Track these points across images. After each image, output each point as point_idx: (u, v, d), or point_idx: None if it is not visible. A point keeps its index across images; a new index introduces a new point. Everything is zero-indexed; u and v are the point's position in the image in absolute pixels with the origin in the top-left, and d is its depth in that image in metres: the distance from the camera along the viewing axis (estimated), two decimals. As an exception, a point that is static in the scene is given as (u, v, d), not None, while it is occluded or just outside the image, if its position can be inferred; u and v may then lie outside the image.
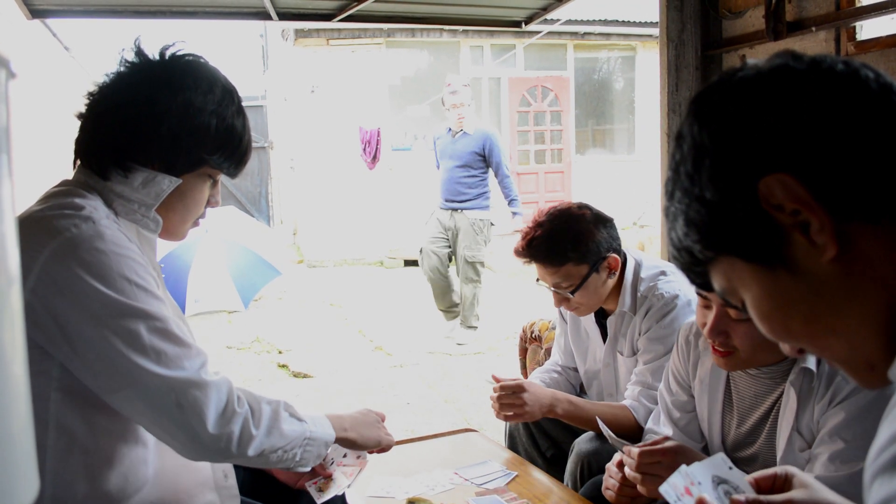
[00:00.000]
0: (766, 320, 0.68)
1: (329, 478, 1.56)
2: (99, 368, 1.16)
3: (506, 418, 2.03)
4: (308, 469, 1.44)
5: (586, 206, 2.07)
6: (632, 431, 1.96)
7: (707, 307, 1.51)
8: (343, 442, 1.50)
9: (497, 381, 2.06)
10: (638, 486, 1.53)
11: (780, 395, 1.52)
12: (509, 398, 1.99)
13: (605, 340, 2.20)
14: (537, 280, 2.09)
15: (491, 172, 5.59)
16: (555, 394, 2.03)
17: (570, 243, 1.97)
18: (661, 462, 1.48)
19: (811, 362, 1.45)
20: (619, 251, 2.05)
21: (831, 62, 0.64)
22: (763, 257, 0.65)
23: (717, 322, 1.47)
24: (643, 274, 2.07)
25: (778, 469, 1.06)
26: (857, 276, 0.61)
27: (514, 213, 5.55)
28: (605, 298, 2.08)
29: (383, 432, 1.59)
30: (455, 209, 5.48)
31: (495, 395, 2.02)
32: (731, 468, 1.15)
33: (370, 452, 1.60)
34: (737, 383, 1.62)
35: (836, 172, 0.61)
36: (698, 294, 1.52)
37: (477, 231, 5.45)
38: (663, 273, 2.08)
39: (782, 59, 0.66)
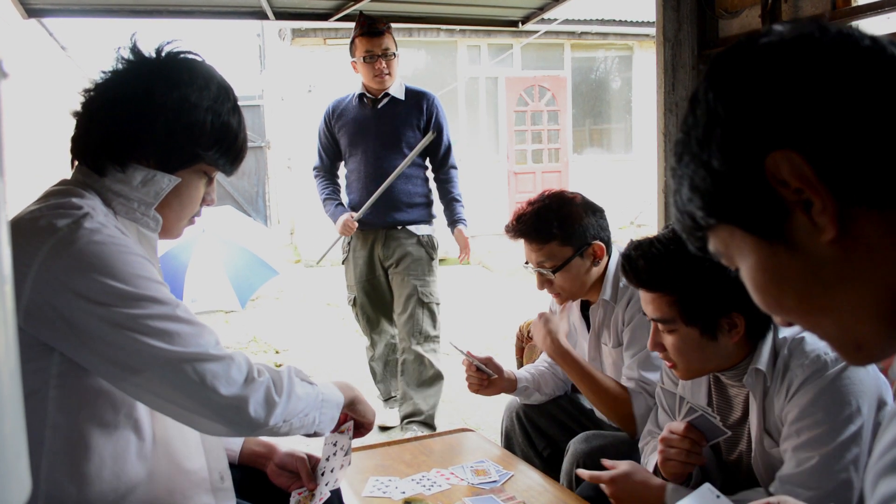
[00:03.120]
0: (759, 292, 0.68)
1: (312, 492, 1.58)
2: (111, 357, 1.16)
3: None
4: (326, 433, 1.45)
5: (578, 194, 2.12)
6: (619, 414, 2.00)
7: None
8: (350, 408, 1.51)
9: (471, 356, 2.22)
10: (667, 452, 1.55)
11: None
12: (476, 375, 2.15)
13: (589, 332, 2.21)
14: (526, 263, 2.11)
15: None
16: (557, 339, 2.10)
17: (556, 222, 2.01)
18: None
19: (762, 363, 1.48)
20: (605, 241, 2.07)
21: (858, 37, 0.62)
22: (764, 231, 0.64)
23: (654, 336, 1.58)
24: None
25: (772, 499, 1.06)
26: (856, 260, 0.61)
27: (461, 222, 3.67)
28: (587, 287, 2.09)
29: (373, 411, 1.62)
30: (390, 225, 3.57)
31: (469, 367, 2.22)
32: (718, 497, 1.16)
33: (356, 436, 1.60)
34: (718, 386, 1.66)
35: (845, 155, 0.59)
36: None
37: (430, 255, 3.61)
38: None
39: (808, 29, 0.64)
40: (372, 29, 3.48)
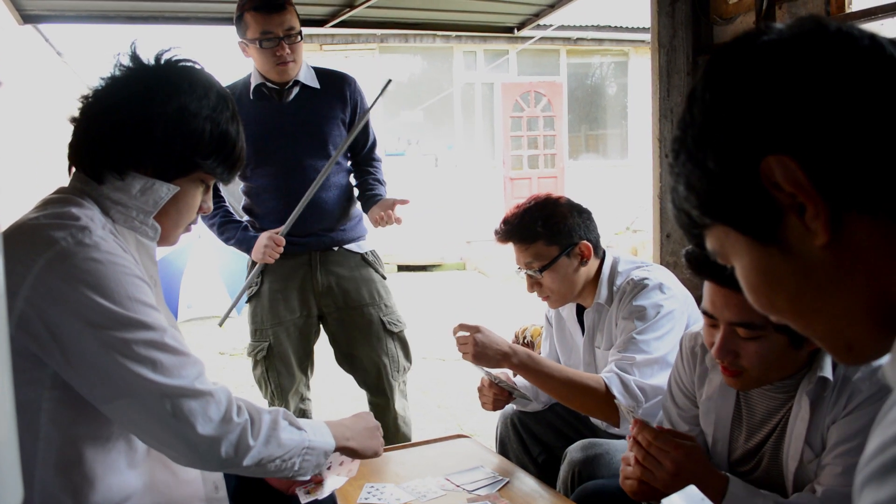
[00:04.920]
0: (752, 291, 0.69)
1: (319, 483, 1.56)
2: (94, 378, 1.16)
3: (464, 356, 2.01)
4: (307, 478, 1.43)
5: (564, 196, 2.13)
6: (597, 404, 1.93)
7: (714, 326, 1.46)
8: (344, 450, 1.50)
9: (500, 380, 2.13)
10: (625, 470, 1.52)
11: (790, 409, 1.48)
12: (463, 337, 1.99)
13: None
14: (518, 269, 2.11)
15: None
16: (514, 346, 2.00)
17: (540, 220, 2.02)
18: (669, 454, 1.46)
19: (828, 371, 1.39)
20: (593, 242, 2.07)
21: (858, 36, 0.62)
22: (757, 233, 0.65)
23: (725, 342, 1.42)
24: (620, 268, 2.10)
25: None
26: (847, 264, 0.61)
27: (377, 196, 2.79)
28: (578, 289, 2.09)
29: (378, 441, 1.59)
30: (325, 246, 2.75)
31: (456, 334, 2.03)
32: (702, 499, 1.17)
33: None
34: (748, 399, 1.58)
35: (838, 161, 0.59)
36: (704, 313, 1.47)
37: (382, 274, 2.88)
38: (639, 267, 2.10)
39: (807, 27, 0.64)
40: (268, 1, 2.55)
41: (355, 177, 2.89)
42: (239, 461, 1.24)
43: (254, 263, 2.77)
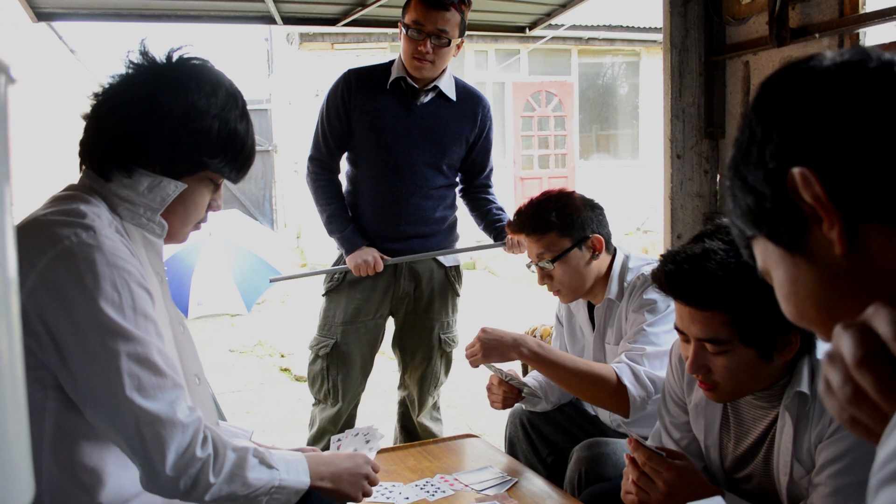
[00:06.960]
0: (784, 301, 0.72)
1: None
2: (80, 380, 1.16)
3: (475, 364, 2.03)
4: None
5: (578, 192, 2.16)
6: (608, 394, 1.92)
7: (686, 341, 1.48)
8: (317, 490, 1.45)
9: (514, 377, 2.13)
10: (626, 484, 1.53)
11: (776, 419, 1.49)
12: (469, 344, 2.02)
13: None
14: (528, 265, 2.12)
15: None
16: (522, 336, 1.99)
17: (554, 211, 2.04)
18: (662, 475, 1.47)
19: (803, 384, 1.41)
20: (605, 236, 2.08)
21: (892, 62, 0.65)
22: (786, 242, 0.68)
23: (696, 357, 1.46)
24: (631, 265, 2.10)
25: None
26: (869, 272, 0.63)
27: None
28: (589, 283, 2.09)
29: (358, 489, 1.50)
30: (414, 253, 2.74)
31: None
32: None
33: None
34: (735, 406, 1.59)
35: (856, 174, 0.62)
36: (676, 329, 1.51)
37: (457, 291, 2.90)
38: (649, 263, 2.10)
39: (852, 57, 0.67)
40: None
41: (472, 200, 2.90)
42: (199, 496, 1.24)
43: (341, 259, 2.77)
